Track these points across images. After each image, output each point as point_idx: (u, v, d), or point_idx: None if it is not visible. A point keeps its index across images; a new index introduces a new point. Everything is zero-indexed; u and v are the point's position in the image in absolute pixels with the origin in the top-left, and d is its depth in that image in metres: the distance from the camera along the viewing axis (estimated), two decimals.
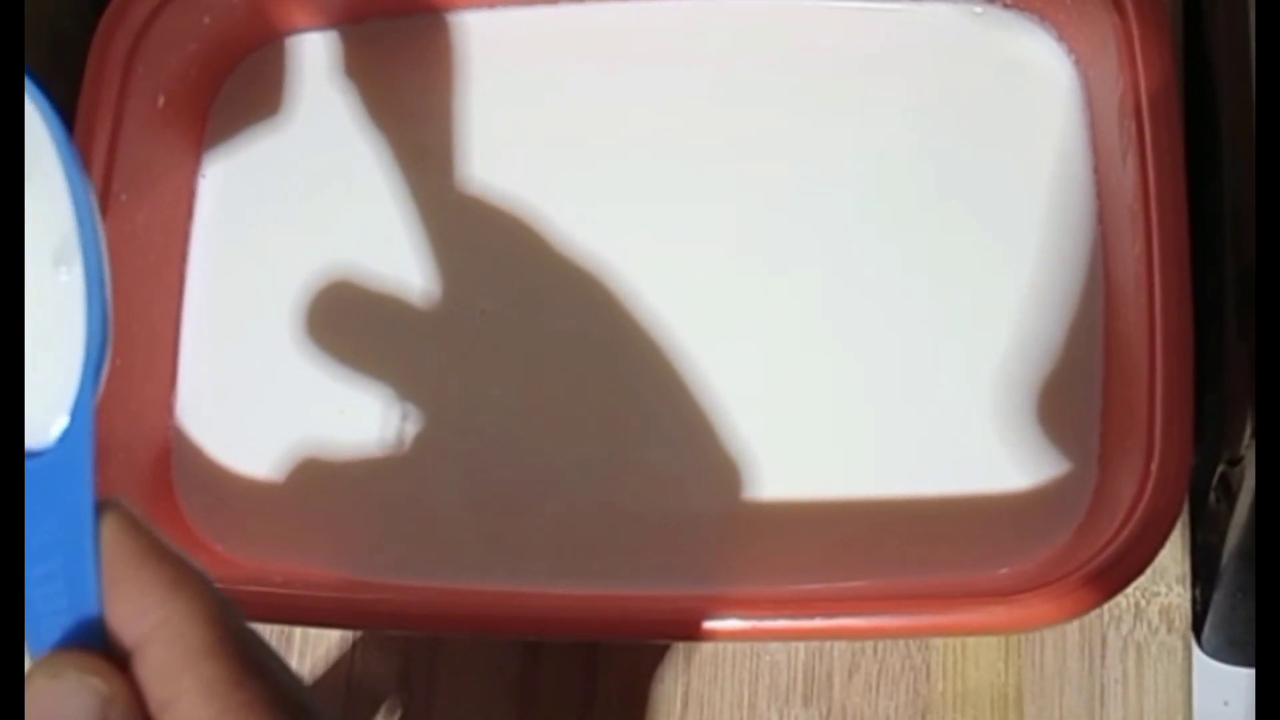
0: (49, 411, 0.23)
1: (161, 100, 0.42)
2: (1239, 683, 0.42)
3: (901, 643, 0.41)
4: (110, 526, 0.22)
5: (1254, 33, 0.37)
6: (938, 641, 0.41)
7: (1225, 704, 0.42)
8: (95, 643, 0.22)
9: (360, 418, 0.42)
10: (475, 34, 0.45)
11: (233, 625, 0.22)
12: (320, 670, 0.43)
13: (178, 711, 0.22)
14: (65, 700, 0.22)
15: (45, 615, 0.22)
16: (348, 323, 0.43)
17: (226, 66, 0.45)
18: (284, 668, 0.23)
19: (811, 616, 0.36)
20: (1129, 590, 0.36)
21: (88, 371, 0.23)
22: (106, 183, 0.40)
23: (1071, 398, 0.39)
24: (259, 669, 0.22)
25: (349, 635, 0.43)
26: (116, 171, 0.41)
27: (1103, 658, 0.40)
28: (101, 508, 0.23)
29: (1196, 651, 0.41)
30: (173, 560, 0.23)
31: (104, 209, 0.40)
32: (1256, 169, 0.30)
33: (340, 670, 0.43)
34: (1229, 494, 0.39)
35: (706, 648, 0.42)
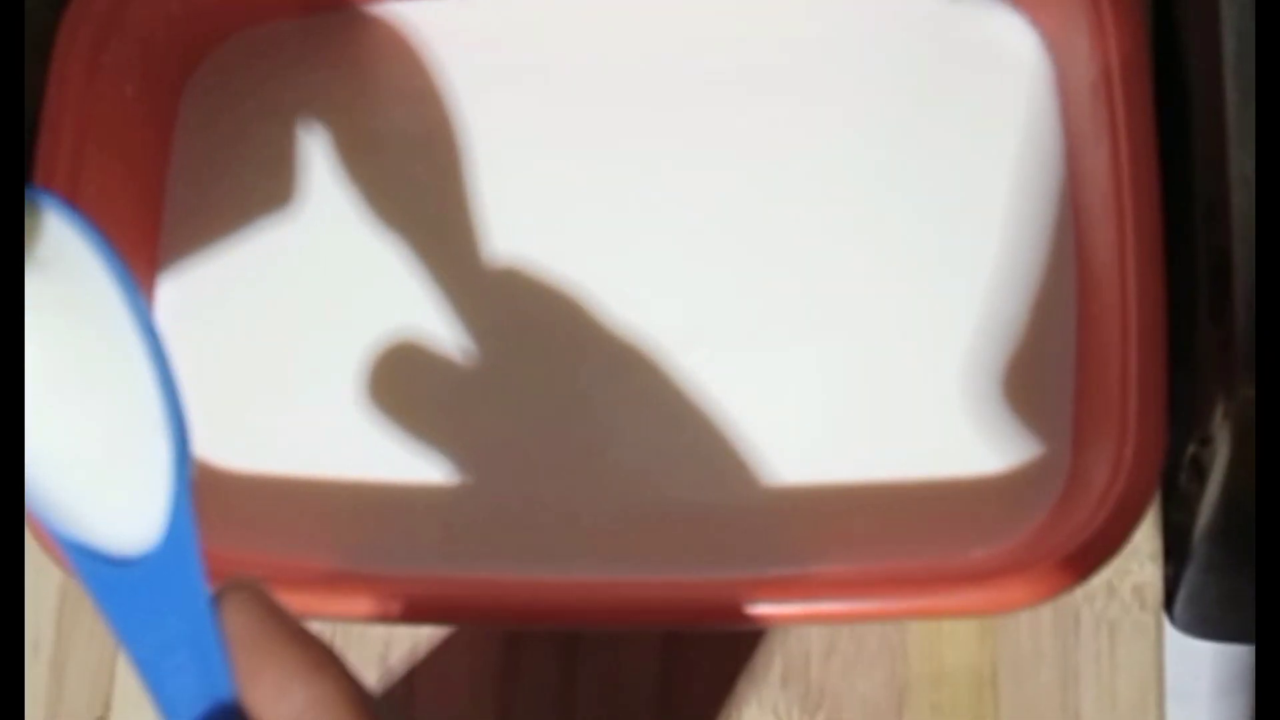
0: (147, 517, 0.23)
1: (130, 90, 0.42)
2: (1209, 658, 0.43)
3: (878, 624, 0.41)
4: (245, 611, 0.23)
5: (1223, 14, 0.37)
6: (914, 622, 0.41)
7: (1196, 679, 0.43)
8: None
9: (335, 406, 0.42)
10: (451, 23, 0.44)
11: (371, 706, 0.22)
12: None
13: None
14: None
15: (183, 703, 0.22)
16: (321, 311, 0.43)
17: (196, 56, 0.44)
18: None
19: (788, 601, 0.36)
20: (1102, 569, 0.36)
21: (178, 470, 0.23)
22: (75, 175, 0.40)
23: (1044, 381, 0.40)
24: None
25: (327, 626, 0.43)
26: (85, 163, 0.40)
27: (1077, 636, 0.41)
28: (235, 590, 0.23)
29: (1168, 628, 0.41)
30: (311, 642, 0.23)
31: (72, 203, 0.40)
32: (1256, 148, 0.30)
33: None
34: (1200, 473, 0.39)
35: (684, 633, 0.42)
